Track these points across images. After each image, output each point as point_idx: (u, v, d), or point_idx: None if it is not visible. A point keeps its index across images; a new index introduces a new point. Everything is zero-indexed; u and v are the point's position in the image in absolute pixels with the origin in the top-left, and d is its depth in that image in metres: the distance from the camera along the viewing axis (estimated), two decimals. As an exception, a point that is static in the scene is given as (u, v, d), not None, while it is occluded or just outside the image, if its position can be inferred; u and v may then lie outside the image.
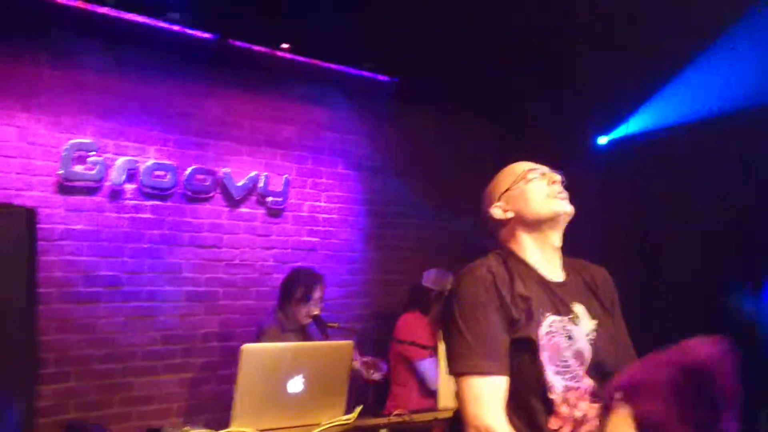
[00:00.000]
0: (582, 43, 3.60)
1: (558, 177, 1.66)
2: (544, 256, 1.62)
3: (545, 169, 1.69)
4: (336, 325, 3.08)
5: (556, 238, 1.63)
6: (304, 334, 3.25)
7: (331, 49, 4.01)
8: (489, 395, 1.44)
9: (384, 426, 2.51)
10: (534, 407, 1.48)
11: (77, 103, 3.49)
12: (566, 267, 1.66)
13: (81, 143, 3.47)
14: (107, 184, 3.55)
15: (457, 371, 1.48)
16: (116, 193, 3.58)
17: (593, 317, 1.58)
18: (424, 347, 3.24)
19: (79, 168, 3.46)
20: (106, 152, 3.56)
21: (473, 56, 3.86)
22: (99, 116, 3.55)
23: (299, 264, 4.18)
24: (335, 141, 4.45)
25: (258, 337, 3.24)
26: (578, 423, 1.49)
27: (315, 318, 3.19)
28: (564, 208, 1.61)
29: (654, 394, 1.29)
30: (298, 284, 3.27)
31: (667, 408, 1.25)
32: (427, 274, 3.72)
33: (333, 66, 4.22)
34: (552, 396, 1.48)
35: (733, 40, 3.40)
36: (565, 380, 1.49)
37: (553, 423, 1.48)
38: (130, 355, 3.61)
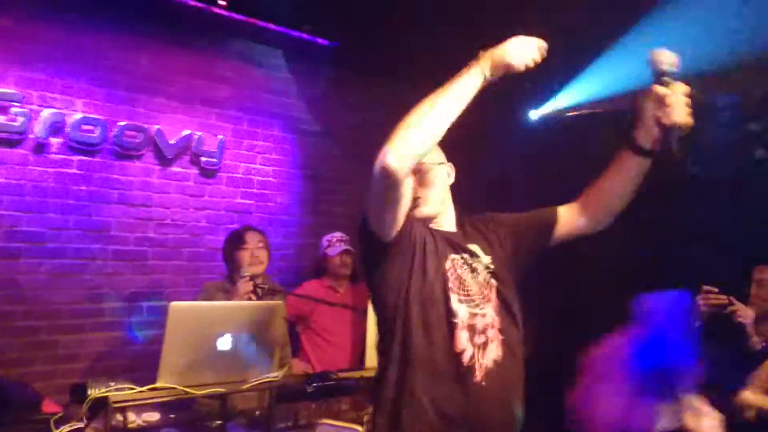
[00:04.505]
0: (516, 21, 3.66)
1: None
2: (437, 224, 1.83)
3: None
4: (266, 285, 3.09)
5: (440, 220, 1.83)
6: None
7: (269, 8, 3.94)
8: None
9: (310, 384, 2.56)
10: (440, 332, 1.66)
11: (0, 50, 3.33)
12: (459, 222, 1.89)
13: (3, 93, 3.32)
14: (31, 136, 3.43)
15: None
16: (41, 147, 3.46)
17: (487, 253, 1.82)
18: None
19: (1, 119, 3.32)
20: (31, 104, 3.43)
21: (412, 25, 3.87)
22: (24, 65, 3.41)
23: (233, 226, 4.18)
24: (272, 103, 4.40)
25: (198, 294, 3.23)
26: (480, 348, 1.67)
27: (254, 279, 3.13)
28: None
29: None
30: (228, 239, 3.27)
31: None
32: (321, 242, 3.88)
33: (271, 26, 4.15)
34: (454, 321, 1.66)
35: (660, 17, 3.51)
36: (469, 308, 1.70)
37: (455, 347, 1.66)
38: (54, 312, 3.53)
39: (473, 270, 1.76)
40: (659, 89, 1.58)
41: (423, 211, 1.79)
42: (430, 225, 1.81)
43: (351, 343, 3.60)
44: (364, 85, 4.77)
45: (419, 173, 1.77)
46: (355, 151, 4.72)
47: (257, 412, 2.57)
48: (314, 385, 2.59)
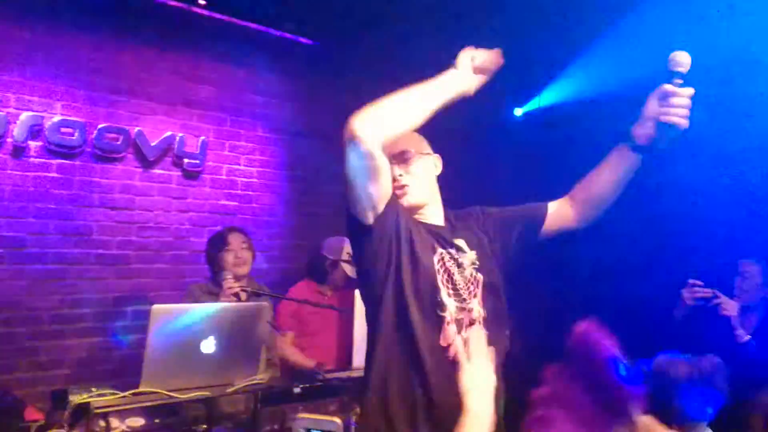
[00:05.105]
0: (500, 16, 3.66)
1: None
2: (423, 216, 1.83)
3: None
4: (249, 289, 3.05)
5: (426, 211, 1.83)
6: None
7: (250, 7, 3.91)
8: None
9: (297, 385, 2.54)
10: (429, 325, 1.68)
11: (-25, 52, 3.28)
12: (448, 216, 1.88)
13: (-21, 96, 3.27)
14: (9, 140, 3.37)
15: None
16: (19, 150, 3.41)
17: (472, 248, 1.82)
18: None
19: (-23, 122, 3.27)
20: (8, 107, 3.37)
21: (394, 24, 3.86)
22: (0, 68, 3.35)
23: (217, 228, 4.13)
24: (255, 103, 4.37)
25: (182, 297, 3.19)
26: (465, 343, 1.63)
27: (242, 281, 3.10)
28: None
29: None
30: (211, 241, 3.24)
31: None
32: (326, 242, 3.74)
33: (252, 25, 4.13)
34: (442, 314, 1.68)
35: (644, 16, 3.52)
36: (457, 302, 1.72)
37: (443, 340, 1.67)
38: (36, 318, 3.48)
39: (459, 265, 1.77)
40: (669, 88, 1.62)
41: (409, 199, 1.78)
42: (417, 217, 1.81)
43: (337, 344, 3.57)
44: (347, 84, 4.72)
45: (405, 162, 1.78)
46: (339, 150, 4.69)
47: (243, 415, 2.54)
48: (301, 386, 2.56)
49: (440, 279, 1.71)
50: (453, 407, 1.61)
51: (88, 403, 2.02)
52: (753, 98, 3.46)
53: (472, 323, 1.72)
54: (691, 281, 3.08)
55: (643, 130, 1.69)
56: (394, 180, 1.75)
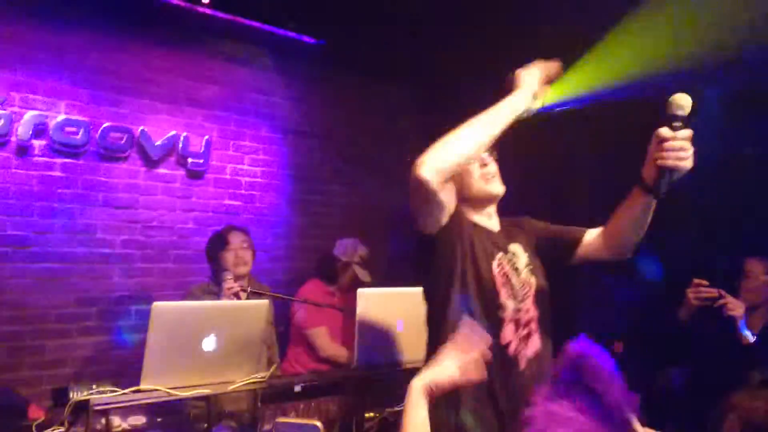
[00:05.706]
0: (505, 14, 3.64)
1: (489, 160, 1.93)
2: (483, 217, 1.96)
3: None
4: (248, 289, 3.05)
5: (491, 209, 1.97)
6: None
7: (253, 6, 3.91)
8: None
9: (298, 384, 2.53)
10: (489, 324, 1.76)
11: (-20, 52, 3.30)
12: (501, 221, 2.01)
13: (-16, 95, 3.29)
14: (14, 139, 3.39)
15: None
16: (24, 149, 3.43)
17: (525, 251, 1.95)
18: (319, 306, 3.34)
19: (-18, 122, 3.28)
20: (13, 106, 3.39)
21: (398, 23, 3.85)
22: (5, 68, 3.37)
23: (221, 227, 4.14)
24: (259, 103, 4.37)
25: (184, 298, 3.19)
26: (523, 340, 1.82)
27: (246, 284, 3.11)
28: (492, 190, 1.93)
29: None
30: (211, 240, 3.24)
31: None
32: (338, 244, 3.74)
33: (256, 24, 4.13)
34: (502, 315, 1.80)
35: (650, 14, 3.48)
36: (515, 303, 1.83)
37: (503, 338, 1.79)
38: (40, 317, 3.49)
39: (516, 269, 1.89)
40: (663, 132, 1.61)
41: (497, 187, 1.93)
42: (480, 219, 1.92)
43: (341, 343, 3.57)
44: (352, 83, 4.74)
45: (490, 152, 1.91)
46: (343, 150, 4.70)
47: (244, 413, 2.54)
48: (302, 384, 2.55)
49: (499, 282, 1.82)
50: (511, 398, 1.76)
51: (88, 400, 2.02)
52: (756, 95, 3.43)
53: (528, 322, 1.84)
54: (696, 281, 3.05)
55: (648, 172, 1.70)
56: (485, 165, 1.90)
